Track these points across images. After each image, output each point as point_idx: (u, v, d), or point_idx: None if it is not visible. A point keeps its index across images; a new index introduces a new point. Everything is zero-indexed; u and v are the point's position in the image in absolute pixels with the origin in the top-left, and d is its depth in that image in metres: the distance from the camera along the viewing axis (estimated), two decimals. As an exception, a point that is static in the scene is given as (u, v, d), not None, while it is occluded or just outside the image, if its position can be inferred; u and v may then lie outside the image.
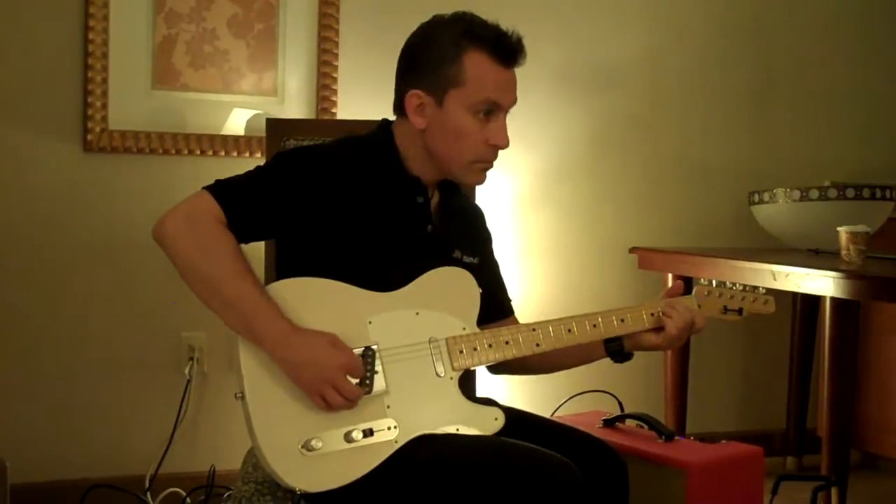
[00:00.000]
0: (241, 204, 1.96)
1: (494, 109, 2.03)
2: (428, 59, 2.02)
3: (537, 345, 2.05)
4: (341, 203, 2.00)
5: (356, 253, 2.01)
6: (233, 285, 1.89)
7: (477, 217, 2.29)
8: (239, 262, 1.91)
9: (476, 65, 2.00)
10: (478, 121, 2.02)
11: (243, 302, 1.88)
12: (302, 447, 1.88)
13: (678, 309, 2.13)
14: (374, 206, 2.03)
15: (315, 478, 1.88)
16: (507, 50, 2.02)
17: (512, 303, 2.29)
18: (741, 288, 2.22)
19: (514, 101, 2.07)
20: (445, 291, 2.03)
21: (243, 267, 1.92)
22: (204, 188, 1.97)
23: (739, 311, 2.21)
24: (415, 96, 2.03)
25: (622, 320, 2.11)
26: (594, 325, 2.10)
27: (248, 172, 2.03)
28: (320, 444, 1.88)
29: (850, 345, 3.01)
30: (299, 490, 1.87)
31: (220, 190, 1.96)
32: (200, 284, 1.91)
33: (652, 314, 2.14)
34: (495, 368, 2.21)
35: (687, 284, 2.24)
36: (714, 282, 2.20)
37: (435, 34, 2.04)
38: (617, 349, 2.16)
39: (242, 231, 1.96)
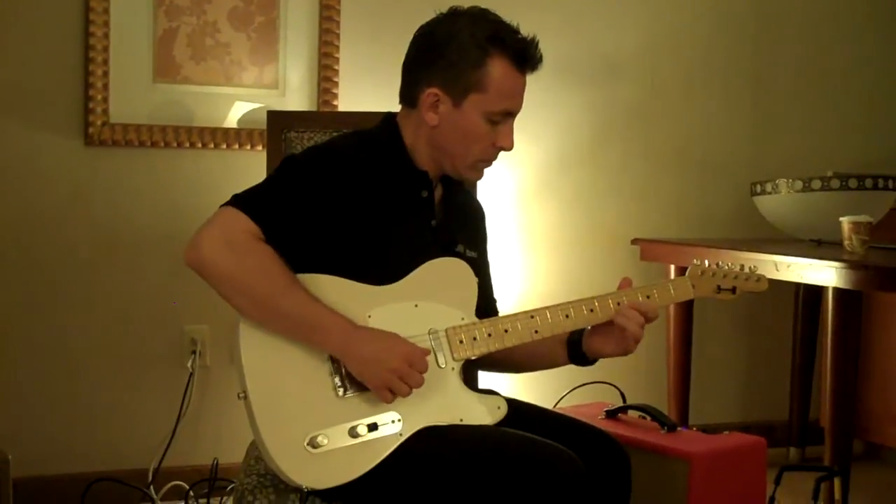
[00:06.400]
0: (275, 216, 1.94)
1: (507, 116, 2.05)
2: (450, 58, 2.00)
3: (536, 331, 2.05)
4: (354, 200, 2.00)
5: (364, 248, 2.00)
6: (289, 298, 1.89)
7: (478, 215, 2.29)
8: (287, 274, 1.91)
9: (500, 73, 2.01)
10: (489, 124, 2.04)
11: (304, 312, 1.89)
12: (307, 444, 1.88)
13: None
14: (381, 201, 2.03)
15: (322, 475, 1.88)
16: (530, 60, 2.04)
17: (497, 304, 2.28)
18: (734, 267, 2.23)
19: (521, 106, 2.08)
20: (443, 282, 2.03)
21: (292, 278, 1.92)
22: (227, 205, 1.94)
23: (733, 290, 2.22)
24: (432, 94, 2.02)
25: (618, 303, 2.11)
26: (591, 310, 2.09)
27: (267, 183, 2.01)
28: (326, 441, 1.88)
29: (852, 335, 3.00)
30: (307, 487, 1.88)
31: (248, 205, 1.93)
32: (253, 304, 1.90)
33: (647, 297, 2.13)
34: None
35: (687, 275, 2.24)
36: (707, 262, 2.21)
37: (458, 32, 2.01)
38: (579, 354, 2.15)
39: (279, 242, 1.94)
